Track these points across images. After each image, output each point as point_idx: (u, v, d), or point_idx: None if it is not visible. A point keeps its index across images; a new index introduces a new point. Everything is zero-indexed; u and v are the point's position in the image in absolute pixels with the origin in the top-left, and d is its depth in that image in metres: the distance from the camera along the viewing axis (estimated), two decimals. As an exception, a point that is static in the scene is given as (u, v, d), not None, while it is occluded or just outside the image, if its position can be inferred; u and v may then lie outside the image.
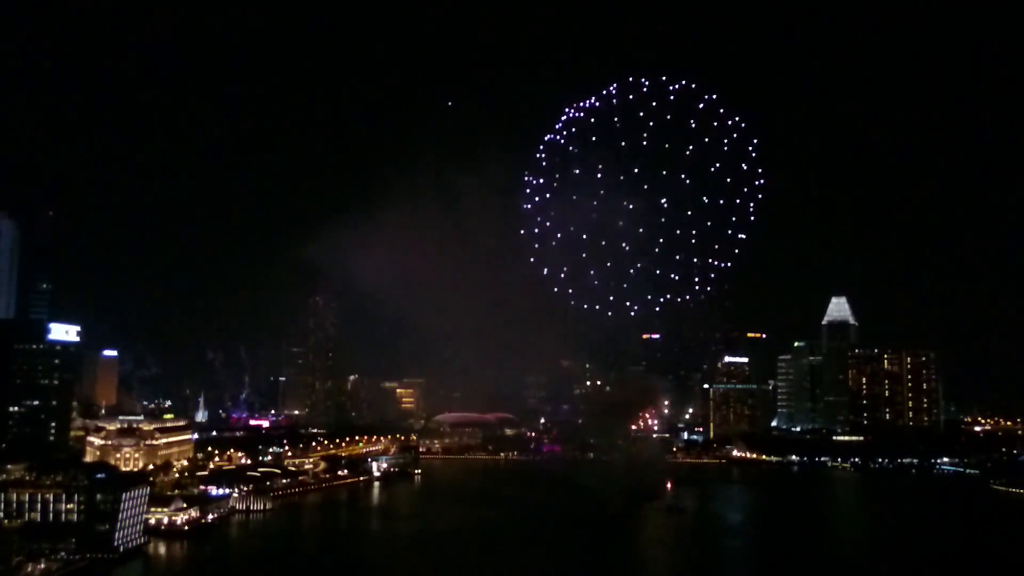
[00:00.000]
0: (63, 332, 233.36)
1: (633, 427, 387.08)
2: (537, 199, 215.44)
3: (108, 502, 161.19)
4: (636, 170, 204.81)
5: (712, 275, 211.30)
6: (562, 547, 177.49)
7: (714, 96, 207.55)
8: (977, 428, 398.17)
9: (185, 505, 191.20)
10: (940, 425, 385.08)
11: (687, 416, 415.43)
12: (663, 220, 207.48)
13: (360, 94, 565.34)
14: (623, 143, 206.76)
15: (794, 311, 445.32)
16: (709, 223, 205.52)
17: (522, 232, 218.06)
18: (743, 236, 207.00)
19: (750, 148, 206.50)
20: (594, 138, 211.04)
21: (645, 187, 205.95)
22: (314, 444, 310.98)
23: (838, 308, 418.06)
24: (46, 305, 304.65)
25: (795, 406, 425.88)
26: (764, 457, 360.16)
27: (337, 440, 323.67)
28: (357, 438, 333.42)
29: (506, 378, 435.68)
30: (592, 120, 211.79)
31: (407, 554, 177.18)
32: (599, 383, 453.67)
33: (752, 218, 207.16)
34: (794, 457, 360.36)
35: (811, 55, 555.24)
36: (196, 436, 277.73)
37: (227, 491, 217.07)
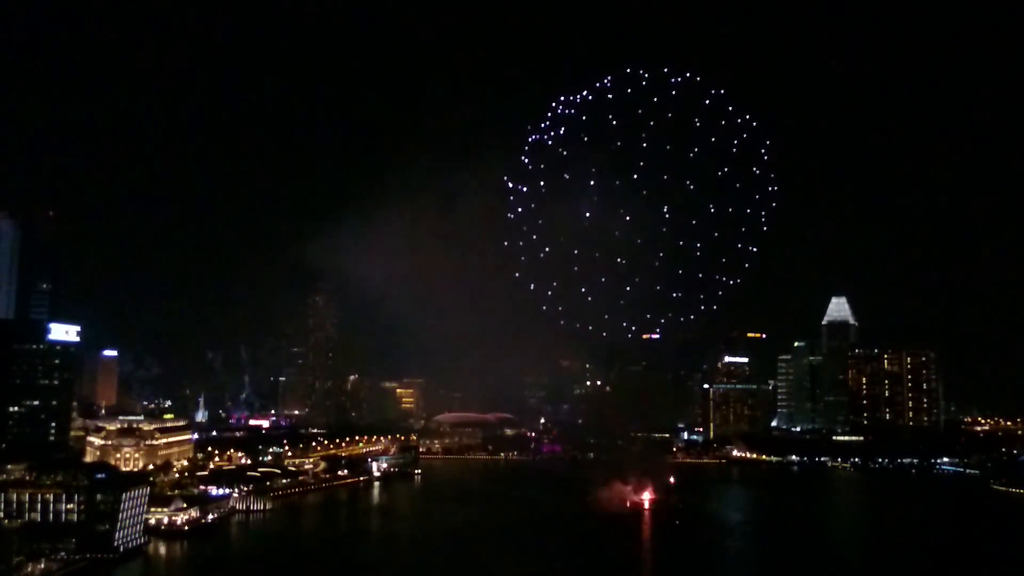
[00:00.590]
0: (63, 332, 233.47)
1: (633, 427, 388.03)
2: (521, 208, 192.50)
3: (108, 502, 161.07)
4: (634, 174, 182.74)
5: (719, 292, 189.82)
6: (562, 547, 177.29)
7: (722, 91, 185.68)
8: (977, 428, 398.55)
9: (185, 505, 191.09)
10: (940, 425, 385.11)
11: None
12: (664, 230, 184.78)
13: (359, 94, 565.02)
14: (619, 143, 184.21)
15: (794, 311, 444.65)
16: (716, 234, 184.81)
17: (506, 244, 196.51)
18: (754, 249, 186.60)
19: (762, 150, 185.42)
20: (586, 138, 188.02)
21: (644, 193, 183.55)
22: (314, 444, 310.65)
23: (838, 308, 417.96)
24: (46, 305, 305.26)
25: (795, 406, 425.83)
26: (764, 457, 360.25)
27: (337, 440, 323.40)
28: (357, 438, 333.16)
29: (506, 378, 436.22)
30: (584, 117, 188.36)
31: (407, 554, 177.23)
32: (599, 383, 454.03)
33: (764, 228, 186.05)
34: (794, 457, 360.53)
35: (817, 48, 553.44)
36: (196, 436, 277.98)
37: (227, 491, 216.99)
